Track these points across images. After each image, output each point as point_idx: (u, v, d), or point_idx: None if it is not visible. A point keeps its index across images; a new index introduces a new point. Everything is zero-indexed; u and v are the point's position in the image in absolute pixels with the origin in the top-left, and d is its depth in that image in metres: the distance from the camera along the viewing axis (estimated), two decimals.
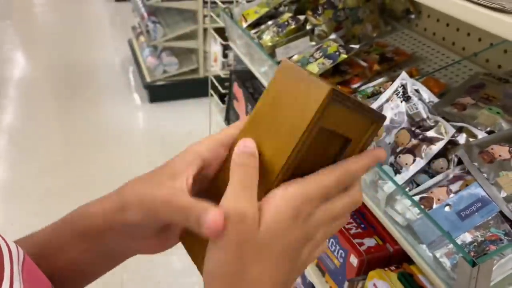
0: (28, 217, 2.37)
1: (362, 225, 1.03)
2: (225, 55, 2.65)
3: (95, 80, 3.89)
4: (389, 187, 0.76)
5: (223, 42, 2.51)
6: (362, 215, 1.06)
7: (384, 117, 0.40)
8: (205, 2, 3.03)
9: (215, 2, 2.70)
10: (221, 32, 2.48)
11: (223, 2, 2.34)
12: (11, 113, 3.37)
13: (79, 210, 0.42)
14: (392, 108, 0.82)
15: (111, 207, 0.40)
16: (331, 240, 1.02)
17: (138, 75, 3.66)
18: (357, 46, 1.13)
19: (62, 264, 0.42)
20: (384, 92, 0.91)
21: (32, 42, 4.48)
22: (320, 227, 0.36)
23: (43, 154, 2.92)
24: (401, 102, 0.80)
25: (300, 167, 0.37)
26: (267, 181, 0.36)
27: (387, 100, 0.84)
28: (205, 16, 3.12)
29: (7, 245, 0.37)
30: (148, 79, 3.41)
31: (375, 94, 1.06)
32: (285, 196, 0.35)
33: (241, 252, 0.34)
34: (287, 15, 1.28)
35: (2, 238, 0.37)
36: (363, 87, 1.11)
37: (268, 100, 0.38)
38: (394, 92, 0.83)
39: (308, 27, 1.27)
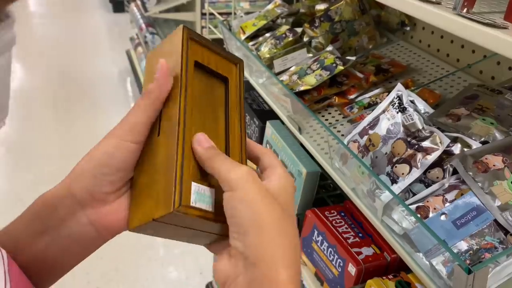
0: None
1: (360, 234, 1.04)
2: None
3: (93, 90, 3.91)
4: (386, 196, 0.77)
5: None
6: (359, 224, 1.07)
7: (241, 60, 0.49)
8: (203, 14, 3.06)
9: (212, 14, 2.73)
10: (218, 43, 2.50)
11: (220, 14, 2.37)
12: (8, 123, 3.37)
13: (36, 202, 0.45)
14: (388, 119, 0.84)
15: (58, 188, 0.43)
16: (329, 249, 1.03)
17: (136, 86, 3.68)
18: (353, 58, 1.15)
19: (33, 257, 0.43)
20: (380, 103, 0.92)
21: (31, 53, 4.50)
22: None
23: (40, 164, 2.92)
24: (397, 113, 0.82)
25: (201, 112, 0.44)
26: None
27: (383, 111, 0.85)
28: (202, 27, 3.15)
29: None
30: None
31: (372, 104, 1.08)
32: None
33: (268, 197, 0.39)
34: (284, 28, 1.31)
35: None
36: (359, 98, 1.13)
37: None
38: (390, 103, 0.85)
39: (305, 39, 1.29)
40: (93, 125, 3.36)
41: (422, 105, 0.87)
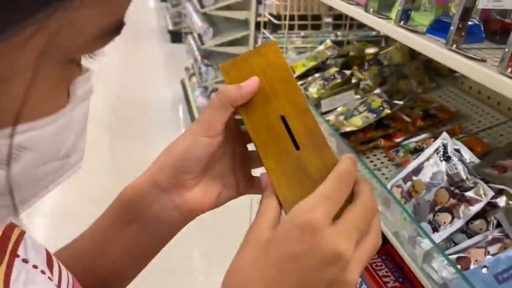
0: None
1: (400, 279, 1.03)
2: None
3: (147, 115, 4.09)
4: (426, 244, 0.78)
5: None
6: (400, 268, 1.06)
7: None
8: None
9: None
10: None
11: None
12: None
13: (122, 194, 0.49)
14: (432, 166, 0.85)
15: (141, 181, 0.48)
16: None
17: (188, 113, 3.82)
18: (401, 102, 1.17)
19: (123, 247, 0.48)
20: (426, 148, 0.93)
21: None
22: (337, 242, 0.37)
23: (92, 185, 3.07)
24: (441, 161, 0.83)
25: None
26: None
27: (427, 159, 0.86)
28: None
29: (60, 271, 0.41)
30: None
31: (418, 149, 1.09)
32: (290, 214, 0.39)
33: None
34: (333, 69, 1.35)
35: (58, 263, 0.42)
36: (406, 142, 1.14)
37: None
38: (435, 151, 0.86)
39: (353, 80, 1.33)
40: (144, 148, 3.50)
41: (468, 155, 0.87)
